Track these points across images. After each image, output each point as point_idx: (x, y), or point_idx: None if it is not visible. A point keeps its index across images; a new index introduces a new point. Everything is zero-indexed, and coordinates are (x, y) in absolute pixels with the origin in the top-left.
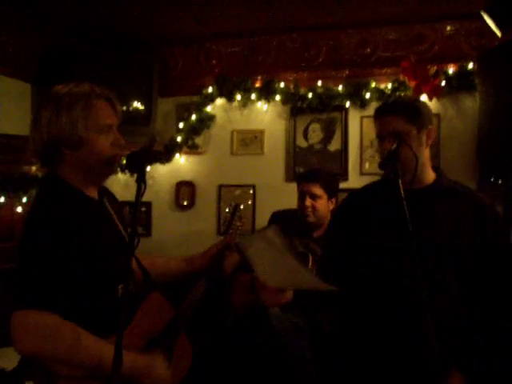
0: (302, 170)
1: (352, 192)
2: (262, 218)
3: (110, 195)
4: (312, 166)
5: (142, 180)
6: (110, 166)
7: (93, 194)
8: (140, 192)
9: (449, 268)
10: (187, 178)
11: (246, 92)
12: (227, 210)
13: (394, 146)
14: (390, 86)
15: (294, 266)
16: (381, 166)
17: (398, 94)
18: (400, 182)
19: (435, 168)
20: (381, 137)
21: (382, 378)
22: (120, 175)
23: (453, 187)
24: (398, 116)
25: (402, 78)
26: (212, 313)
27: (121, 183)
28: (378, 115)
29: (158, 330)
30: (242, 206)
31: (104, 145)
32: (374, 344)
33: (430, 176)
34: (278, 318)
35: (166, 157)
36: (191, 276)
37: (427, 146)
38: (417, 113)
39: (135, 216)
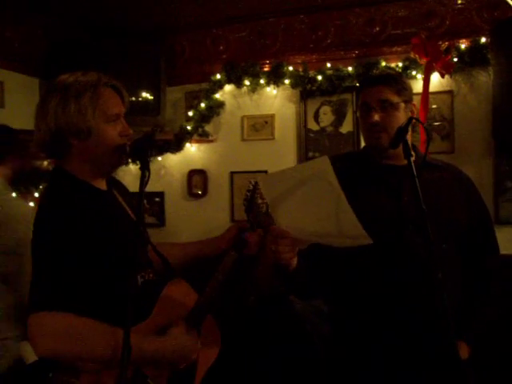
0: (314, 154)
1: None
2: None
3: (120, 185)
4: (324, 149)
5: (145, 168)
6: (117, 156)
7: (101, 185)
8: (144, 180)
9: (448, 240)
10: (199, 166)
11: (255, 77)
12: (248, 189)
13: (404, 121)
14: (400, 64)
15: (332, 211)
16: (392, 143)
17: (409, 72)
18: (412, 160)
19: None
20: (367, 106)
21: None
22: (132, 166)
23: (434, 162)
24: (388, 86)
25: (412, 55)
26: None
27: (133, 174)
28: (367, 85)
29: (183, 315)
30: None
31: (112, 134)
32: (381, 324)
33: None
34: (302, 303)
35: (176, 146)
36: (211, 260)
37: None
38: (404, 86)
39: (140, 204)
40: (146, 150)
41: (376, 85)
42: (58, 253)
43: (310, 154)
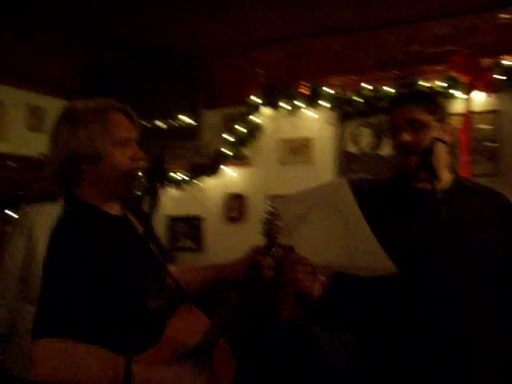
0: (353, 176)
1: (357, 183)
2: None
3: (136, 209)
4: (363, 173)
5: (152, 193)
6: (128, 181)
7: (115, 210)
8: (151, 205)
9: (481, 272)
10: (236, 190)
11: (292, 99)
12: (266, 211)
13: (429, 143)
14: (441, 83)
15: (356, 234)
16: (417, 166)
17: (450, 91)
18: (436, 183)
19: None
20: (396, 126)
21: None
22: (171, 190)
23: (474, 186)
24: (418, 105)
25: (453, 74)
26: (258, 321)
27: (170, 198)
28: (395, 105)
29: (192, 342)
30: None
31: (122, 159)
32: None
33: (447, 176)
34: (325, 333)
35: (212, 169)
36: (226, 285)
37: (445, 143)
38: (436, 104)
39: (149, 229)
40: (153, 179)
41: (405, 104)
42: (65, 280)
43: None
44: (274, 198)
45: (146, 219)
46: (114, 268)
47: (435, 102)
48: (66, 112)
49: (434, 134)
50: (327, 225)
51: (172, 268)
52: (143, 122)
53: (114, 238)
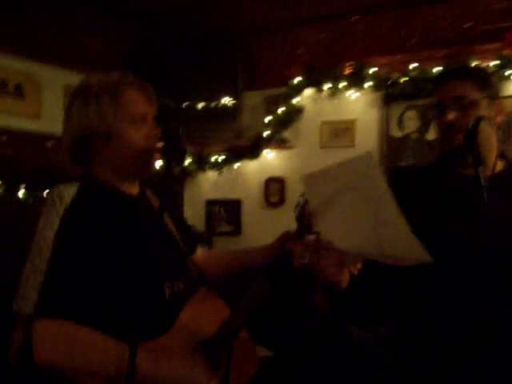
0: (397, 162)
1: (397, 171)
2: None
3: (158, 189)
4: (408, 157)
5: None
6: (144, 159)
7: (131, 189)
8: (170, 187)
9: None
10: (276, 173)
11: (335, 80)
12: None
13: (473, 122)
14: (493, 63)
15: (385, 220)
16: (462, 149)
17: (503, 72)
18: (480, 169)
19: (501, 154)
20: (440, 105)
21: None
22: (209, 173)
23: None
24: (464, 81)
25: (508, 53)
26: (286, 313)
27: (209, 181)
28: (440, 81)
29: (208, 331)
30: None
31: (136, 136)
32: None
33: (497, 161)
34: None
35: (253, 152)
36: (253, 272)
37: (496, 124)
38: (486, 80)
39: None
40: (171, 154)
41: (451, 79)
42: (74, 259)
43: (393, 162)
44: (305, 177)
45: (169, 201)
46: (126, 250)
47: (484, 78)
48: (79, 87)
49: (482, 113)
50: (356, 208)
51: (198, 252)
52: (184, 104)
53: (128, 219)
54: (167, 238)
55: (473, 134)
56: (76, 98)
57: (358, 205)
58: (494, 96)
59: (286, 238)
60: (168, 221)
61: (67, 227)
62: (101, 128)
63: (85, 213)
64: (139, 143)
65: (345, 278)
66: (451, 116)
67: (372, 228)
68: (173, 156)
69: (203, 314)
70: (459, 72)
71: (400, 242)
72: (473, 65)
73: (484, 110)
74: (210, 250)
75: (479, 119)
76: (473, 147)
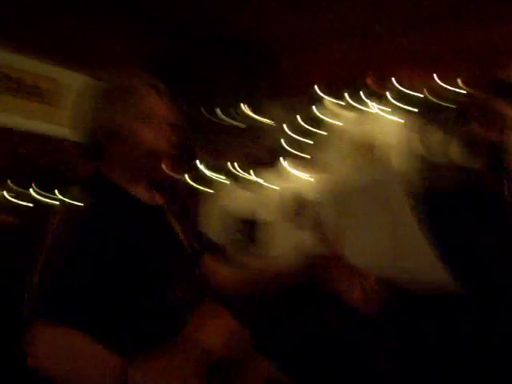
0: (423, 181)
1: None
2: None
3: (171, 193)
4: (434, 175)
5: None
6: (153, 161)
7: (140, 191)
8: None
9: None
10: (296, 187)
11: (357, 92)
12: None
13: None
14: None
15: (407, 238)
16: (488, 165)
17: None
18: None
19: None
20: (468, 119)
21: None
22: (226, 182)
23: None
24: (494, 96)
25: None
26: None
27: (229, 191)
28: (469, 96)
29: (213, 345)
30: None
31: (147, 137)
32: None
33: None
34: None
35: (270, 162)
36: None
37: None
38: None
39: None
40: (181, 157)
41: (480, 94)
42: (79, 263)
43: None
44: (323, 190)
45: (180, 206)
46: (130, 255)
47: None
48: (91, 85)
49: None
50: (375, 222)
51: (210, 261)
52: (203, 111)
53: (135, 223)
54: (173, 243)
55: (501, 149)
56: (87, 96)
57: (379, 219)
58: None
59: (305, 255)
60: (173, 222)
61: (77, 229)
62: (110, 128)
63: (92, 214)
64: (149, 143)
65: (357, 293)
66: (477, 131)
67: (391, 242)
68: (183, 159)
69: (208, 326)
70: (489, 86)
71: (417, 258)
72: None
73: None
74: (227, 262)
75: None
76: (500, 163)
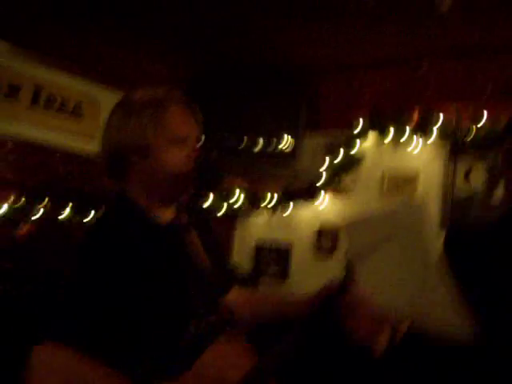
0: (460, 221)
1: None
2: None
3: (198, 219)
4: (473, 215)
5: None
6: (180, 182)
7: (166, 214)
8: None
9: None
10: (331, 219)
11: (401, 126)
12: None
13: None
14: None
15: (432, 283)
16: None
17: None
18: None
19: None
20: (510, 160)
21: None
22: (262, 213)
23: None
24: None
25: None
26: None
27: (262, 222)
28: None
29: (229, 377)
30: None
31: (174, 157)
32: None
33: None
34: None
35: (309, 196)
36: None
37: None
38: None
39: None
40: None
41: None
42: (93, 288)
43: (456, 219)
44: (348, 224)
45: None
46: (150, 283)
47: None
48: (122, 100)
49: None
50: (401, 264)
51: (237, 292)
52: (244, 139)
53: (153, 249)
54: (196, 271)
55: None
56: (117, 110)
57: (404, 261)
58: None
59: (328, 290)
60: (197, 247)
61: (85, 253)
62: (138, 143)
63: (107, 236)
64: (176, 163)
65: (381, 343)
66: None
67: (416, 289)
68: (205, 183)
69: (226, 358)
70: None
71: (443, 308)
72: None
73: None
74: (250, 291)
75: None
76: None
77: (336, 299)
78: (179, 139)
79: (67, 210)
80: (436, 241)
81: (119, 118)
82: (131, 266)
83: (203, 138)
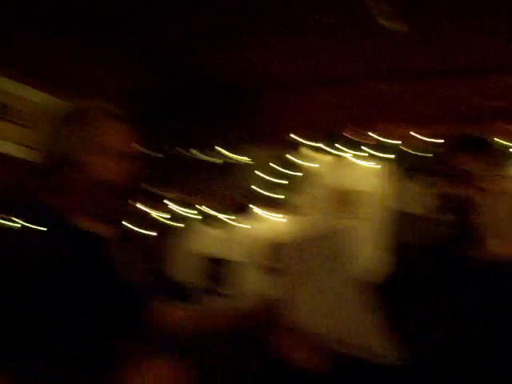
0: (404, 239)
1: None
2: None
3: (129, 232)
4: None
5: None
6: (105, 193)
7: (87, 222)
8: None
9: None
10: (273, 236)
11: (342, 145)
12: None
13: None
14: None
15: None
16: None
17: None
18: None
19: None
20: (439, 178)
21: None
22: (209, 229)
23: None
24: (464, 152)
25: None
26: None
27: (204, 236)
28: (440, 153)
29: None
30: None
31: (101, 169)
32: None
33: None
34: None
35: (241, 211)
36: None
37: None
38: (489, 152)
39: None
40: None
41: (449, 151)
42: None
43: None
44: (276, 245)
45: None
46: (56, 284)
47: (486, 149)
48: (58, 111)
49: (482, 186)
50: (327, 287)
51: (162, 303)
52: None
53: (67, 254)
54: (112, 280)
55: (468, 209)
56: (53, 121)
57: (332, 284)
58: (498, 170)
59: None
60: (119, 257)
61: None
62: (69, 154)
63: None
64: (102, 175)
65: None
66: (447, 189)
67: (339, 311)
68: (126, 194)
69: (143, 374)
70: (458, 143)
71: (369, 336)
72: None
73: (483, 183)
74: (185, 303)
75: (475, 193)
76: (467, 224)
77: (261, 315)
78: (107, 151)
79: None
80: (367, 263)
81: (53, 129)
82: (40, 268)
83: (138, 150)
